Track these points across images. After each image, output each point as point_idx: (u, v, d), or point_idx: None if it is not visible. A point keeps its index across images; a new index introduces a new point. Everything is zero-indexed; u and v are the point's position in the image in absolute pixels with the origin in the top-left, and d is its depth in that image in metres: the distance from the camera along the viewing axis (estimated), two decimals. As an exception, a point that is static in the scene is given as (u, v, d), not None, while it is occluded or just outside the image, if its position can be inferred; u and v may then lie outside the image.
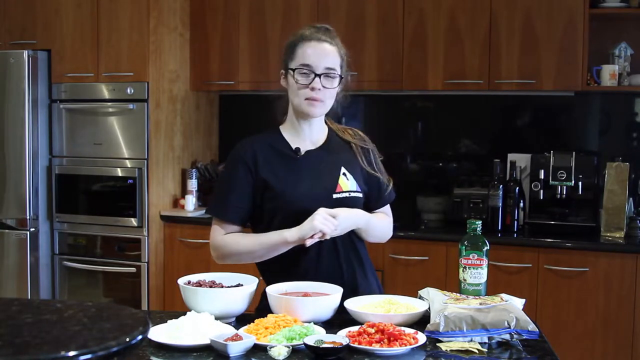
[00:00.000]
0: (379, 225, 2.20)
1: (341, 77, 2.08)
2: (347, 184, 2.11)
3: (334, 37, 2.12)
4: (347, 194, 2.10)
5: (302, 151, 2.14)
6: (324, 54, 2.05)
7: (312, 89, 2.04)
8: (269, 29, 4.20)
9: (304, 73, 2.05)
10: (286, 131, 2.18)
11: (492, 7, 3.78)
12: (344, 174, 2.12)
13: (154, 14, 4.11)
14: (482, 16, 3.80)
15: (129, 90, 4.13)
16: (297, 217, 2.03)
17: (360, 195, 2.13)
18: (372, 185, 2.18)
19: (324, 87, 2.05)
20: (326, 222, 1.96)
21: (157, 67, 4.16)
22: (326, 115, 2.19)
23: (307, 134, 2.15)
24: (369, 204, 2.18)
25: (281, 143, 2.15)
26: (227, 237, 2.14)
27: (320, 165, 2.12)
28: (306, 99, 2.06)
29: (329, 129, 2.21)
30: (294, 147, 2.14)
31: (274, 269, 2.11)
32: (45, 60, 4.31)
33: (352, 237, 2.15)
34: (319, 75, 2.04)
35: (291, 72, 2.07)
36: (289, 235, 2.00)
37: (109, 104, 4.20)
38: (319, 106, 2.07)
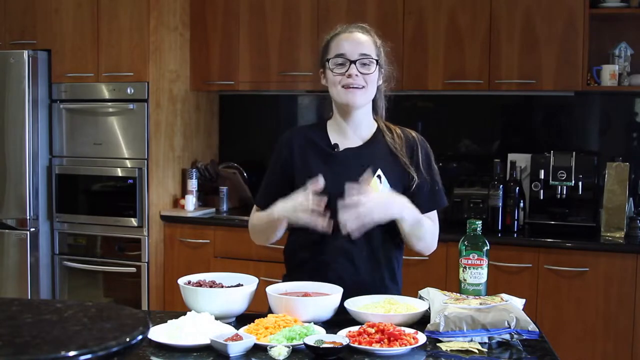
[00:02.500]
0: (426, 227, 2.09)
1: (377, 62, 2.08)
2: (379, 186, 2.07)
3: (368, 29, 2.15)
4: None
5: (341, 148, 2.13)
6: (357, 42, 2.07)
7: (349, 75, 2.05)
8: (269, 29, 4.20)
9: (340, 63, 2.07)
10: (331, 127, 2.18)
11: (492, 7, 3.78)
12: (378, 175, 2.08)
13: (154, 14, 4.11)
14: (482, 16, 3.80)
15: (129, 90, 4.13)
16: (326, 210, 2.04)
17: None
18: (406, 183, 2.11)
19: (361, 73, 2.05)
20: (308, 215, 1.95)
21: (157, 67, 4.16)
22: (375, 113, 2.19)
23: (350, 131, 2.14)
24: None
25: (321, 137, 2.16)
26: (251, 214, 2.24)
27: (355, 164, 2.10)
28: (344, 86, 2.06)
29: (378, 127, 2.18)
30: (333, 142, 2.14)
31: (299, 271, 2.13)
32: (45, 60, 4.31)
33: (389, 248, 2.14)
34: (354, 62, 2.05)
35: (327, 63, 2.08)
36: (275, 211, 2.05)
37: (109, 104, 4.20)
38: (358, 94, 2.07)
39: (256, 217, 2.19)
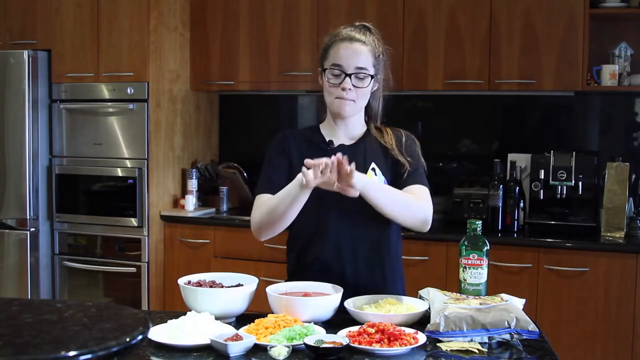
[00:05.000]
0: (393, 194, 2.07)
1: (372, 76, 2.10)
2: (375, 178, 2.13)
3: (371, 35, 2.14)
4: None
5: (336, 144, 2.17)
6: (355, 54, 2.08)
7: (343, 88, 2.08)
8: (269, 29, 4.20)
9: (335, 74, 2.09)
10: (324, 128, 2.23)
11: (492, 7, 3.78)
12: (372, 168, 2.14)
13: (154, 14, 4.11)
14: (482, 16, 3.80)
15: (129, 90, 4.13)
16: (321, 206, 2.06)
17: None
18: (398, 171, 2.15)
19: (354, 86, 2.09)
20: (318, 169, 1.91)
21: (157, 67, 4.16)
22: (368, 116, 2.23)
23: (343, 131, 2.20)
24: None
25: (316, 136, 2.21)
26: (256, 206, 2.14)
27: (350, 158, 2.13)
28: (337, 97, 2.10)
29: (368, 128, 2.23)
30: (328, 139, 2.19)
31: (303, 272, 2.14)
32: (45, 60, 4.31)
33: (383, 245, 2.16)
34: (350, 75, 2.08)
35: (324, 72, 2.12)
36: (299, 176, 1.96)
37: (109, 104, 4.20)
38: (350, 105, 2.11)
39: (272, 198, 2.08)
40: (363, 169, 2.12)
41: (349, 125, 2.19)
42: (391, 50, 2.22)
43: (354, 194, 1.95)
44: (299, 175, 1.96)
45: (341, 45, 2.10)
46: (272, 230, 2.10)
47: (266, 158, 2.22)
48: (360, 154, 2.15)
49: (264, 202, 2.11)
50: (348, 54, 2.08)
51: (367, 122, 2.24)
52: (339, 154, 1.91)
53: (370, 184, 2.02)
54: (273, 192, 2.08)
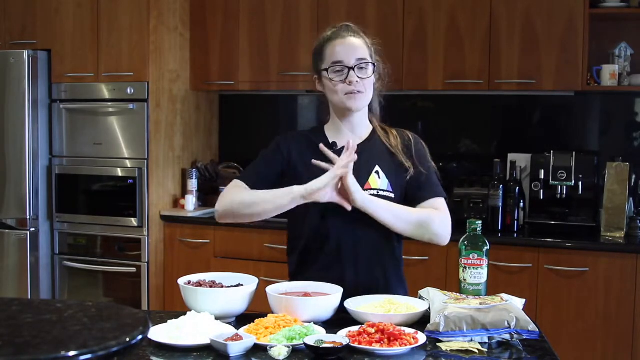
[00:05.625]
0: (399, 212, 2.06)
1: (374, 64, 2.10)
2: (378, 182, 2.11)
3: (357, 30, 2.16)
4: (375, 192, 2.08)
5: (339, 146, 2.15)
6: (351, 47, 2.09)
7: (350, 82, 2.07)
8: (269, 29, 4.20)
9: (337, 70, 2.09)
10: (329, 129, 2.22)
11: (492, 7, 3.78)
12: (376, 172, 2.12)
13: (154, 14, 4.11)
14: (482, 16, 3.80)
15: (129, 90, 4.13)
16: (321, 209, 2.06)
17: (392, 195, 2.10)
18: (410, 181, 2.13)
19: (360, 78, 2.08)
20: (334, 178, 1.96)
21: (157, 67, 4.16)
22: (370, 113, 2.22)
23: (348, 132, 2.18)
24: (410, 203, 2.13)
25: (320, 138, 2.18)
26: (232, 189, 2.14)
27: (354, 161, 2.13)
28: (346, 93, 2.09)
29: (373, 128, 2.22)
30: (331, 141, 2.17)
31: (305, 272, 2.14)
32: (45, 60, 4.31)
33: (382, 247, 2.15)
34: (352, 68, 2.07)
35: (325, 73, 2.11)
36: (297, 189, 2.00)
37: (109, 104, 4.20)
38: (359, 98, 2.10)
39: (258, 192, 2.08)
40: (367, 171, 2.11)
41: (355, 124, 2.17)
42: (382, 46, 2.21)
43: (347, 207, 1.99)
44: (295, 189, 1.99)
45: (335, 43, 2.10)
46: (239, 219, 2.12)
47: (261, 152, 2.22)
48: (365, 155, 2.12)
49: (242, 190, 2.11)
50: (345, 49, 2.09)
51: (370, 122, 2.23)
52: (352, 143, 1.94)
53: (371, 204, 2.02)
54: (253, 184, 2.10)
